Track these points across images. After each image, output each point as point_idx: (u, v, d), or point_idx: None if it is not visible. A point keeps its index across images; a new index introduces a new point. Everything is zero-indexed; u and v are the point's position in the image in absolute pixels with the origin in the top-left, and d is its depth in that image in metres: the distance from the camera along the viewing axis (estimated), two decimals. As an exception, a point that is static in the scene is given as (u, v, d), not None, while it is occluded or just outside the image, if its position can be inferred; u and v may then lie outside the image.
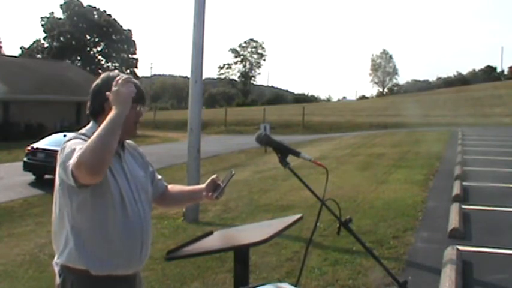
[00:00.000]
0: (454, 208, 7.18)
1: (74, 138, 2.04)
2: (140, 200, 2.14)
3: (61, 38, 61.89)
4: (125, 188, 2.08)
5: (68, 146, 1.97)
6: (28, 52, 61.41)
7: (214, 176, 2.32)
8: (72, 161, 1.87)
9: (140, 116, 2.17)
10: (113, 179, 2.04)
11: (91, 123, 2.17)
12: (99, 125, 2.04)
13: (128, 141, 2.25)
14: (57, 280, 2.10)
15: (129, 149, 2.24)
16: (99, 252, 2.03)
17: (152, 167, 2.37)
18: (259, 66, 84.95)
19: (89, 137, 1.95)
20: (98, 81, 2.18)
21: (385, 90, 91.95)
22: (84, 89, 31.94)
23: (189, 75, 8.05)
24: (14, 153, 19.13)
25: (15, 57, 43.78)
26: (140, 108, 2.15)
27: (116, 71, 2.25)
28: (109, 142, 1.86)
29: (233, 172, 2.29)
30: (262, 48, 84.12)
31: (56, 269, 2.11)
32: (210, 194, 2.26)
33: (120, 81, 1.97)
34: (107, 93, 1.99)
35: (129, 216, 2.07)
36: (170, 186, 2.46)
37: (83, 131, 2.14)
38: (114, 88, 1.96)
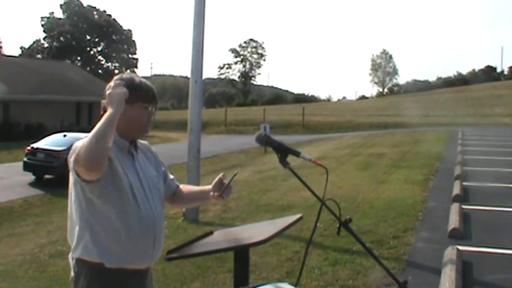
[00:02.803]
0: (454, 208, 7.18)
1: (83, 138, 2.10)
2: (152, 198, 2.20)
3: (61, 38, 61.92)
4: (137, 185, 2.15)
5: (75, 145, 2.05)
6: (28, 52, 61.42)
7: (220, 174, 2.35)
8: (72, 158, 1.99)
9: (151, 116, 2.25)
10: (125, 176, 2.11)
11: None
12: None
13: (141, 141, 2.33)
14: (72, 273, 2.16)
15: (142, 149, 2.31)
16: (112, 247, 2.09)
17: (165, 166, 2.43)
18: (259, 66, 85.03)
19: None
20: (111, 83, 2.24)
21: (385, 90, 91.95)
22: (84, 89, 32.27)
23: (189, 75, 8.06)
24: (14, 153, 19.13)
25: (15, 57, 43.75)
26: (152, 108, 2.23)
27: (129, 73, 2.30)
28: (103, 139, 1.93)
29: (236, 172, 2.32)
30: (262, 48, 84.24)
31: (71, 263, 2.17)
32: (216, 193, 2.29)
33: (112, 84, 2.09)
34: (107, 92, 2.07)
35: (141, 213, 2.12)
36: (181, 186, 2.52)
37: None
38: (107, 91, 2.06)
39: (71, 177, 2.13)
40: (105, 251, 2.08)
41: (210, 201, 2.43)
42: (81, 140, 2.06)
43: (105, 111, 2.21)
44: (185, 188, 2.53)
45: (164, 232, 2.30)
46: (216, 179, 2.33)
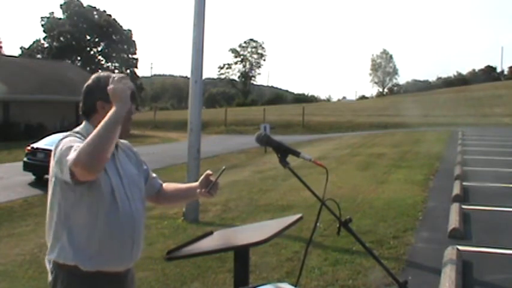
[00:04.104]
0: (454, 208, 7.19)
1: (69, 136, 2.06)
2: (133, 198, 2.15)
3: (61, 38, 61.82)
4: (117, 184, 2.10)
5: (64, 142, 1.98)
6: (28, 52, 61.32)
7: (208, 171, 2.32)
8: (71, 158, 1.87)
9: (132, 113, 2.18)
10: (106, 175, 2.06)
11: (84, 122, 2.19)
12: (92, 124, 2.09)
13: (122, 140, 2.27)
14: (49, 277, 2.12)
15: (122, 148, 2.26)
16: (89, 248, 2.04)
17: (146, 165, 2.39)
18: (259, 66, 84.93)
19: (83, 136, 1.99)
20: (88, 82, 2.21)
21: (385, 90, 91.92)
22: (84, 89, 32.22)
23: (189, 75, 8.05)
24: (14, 153, 19.12)
25: (15, 57, 43.72)
26: (132, 106, 2.13)
27: (107, 72, 2.26)
28: (108, 140, 1.86)
29: (224, 168, 2.29)
30: (262, 48, 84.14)
31: (48, 266, 2.13)
32: (203, 190, 2.27)
33: (115, 78, 1.99)
34: (109, 87, 1.97)
35: (119, 213, 2.07)
36: (165, 185, 2.47)
37: (77, 129, 2.16)
38: (110, 86, 1.97)
39: (50, 177, 2.06)
40: (81, 253, 2.02)
41: (198, 198, 2.39)
42: (67, 138, 2.00)
43: (85, 110, 2.16)
44: (170, 186, 2.47)
45: (144, 233, 2.24)
46: (203, 176, 2.29)
